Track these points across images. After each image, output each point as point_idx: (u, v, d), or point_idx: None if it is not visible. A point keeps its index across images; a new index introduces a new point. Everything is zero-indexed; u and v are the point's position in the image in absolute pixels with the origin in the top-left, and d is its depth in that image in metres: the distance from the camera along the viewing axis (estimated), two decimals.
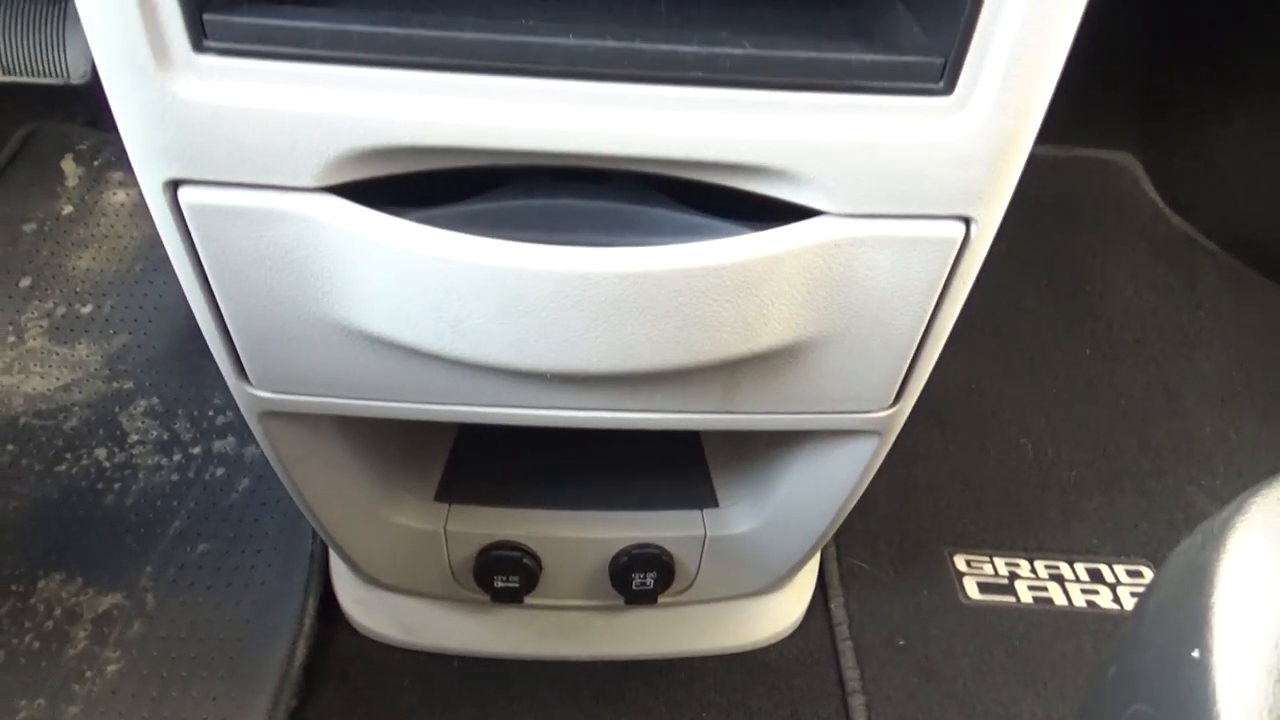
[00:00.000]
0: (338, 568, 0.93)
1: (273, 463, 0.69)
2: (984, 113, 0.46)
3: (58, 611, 0.89)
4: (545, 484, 0.83)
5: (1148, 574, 1.00)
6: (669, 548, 0.81)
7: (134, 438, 1.07)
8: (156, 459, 1.04)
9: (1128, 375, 1.23)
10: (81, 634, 0.87)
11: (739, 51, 0.44)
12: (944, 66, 0.44)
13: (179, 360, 1.14)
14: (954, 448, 1.12)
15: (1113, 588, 0.99)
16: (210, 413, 1.09)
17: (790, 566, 0.84)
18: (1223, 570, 0.39)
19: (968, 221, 0.50)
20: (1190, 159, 1.46)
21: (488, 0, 0.48)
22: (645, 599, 0.83)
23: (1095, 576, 1.00)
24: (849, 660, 0.90)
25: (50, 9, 1.18)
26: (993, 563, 1.00)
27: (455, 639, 0.90)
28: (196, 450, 1.05)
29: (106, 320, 1.19)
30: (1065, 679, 0.90)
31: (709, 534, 0.80)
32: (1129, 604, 0.97)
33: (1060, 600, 0.97)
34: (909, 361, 0.59)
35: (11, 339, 1.16)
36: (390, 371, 0.57)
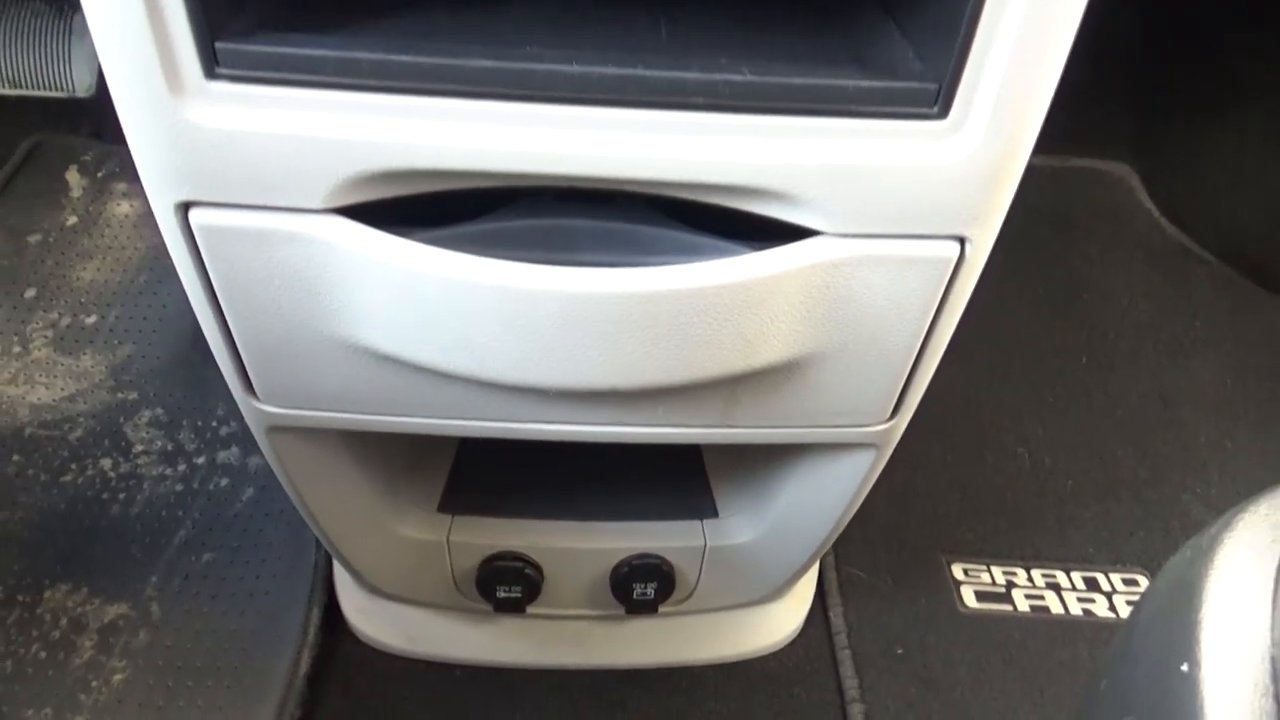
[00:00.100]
0: (341, 578, 0.94)
1: (279, 476, 0.69)
2: (978, 136, 0.47)
3: (64, 621, 0.90)
4: (547, 495, 0.84)
5: (1143, 582, 1.01)
6: (669, 558, 0.82)
7: (139, 448, 1.07)
8: (161, 469, 1.05)
9: (1124, 384, 1.24)
10: (88, 644, 0.88)
11: (738, 78, 0.45)
12: (938, 92, 0.46)
13: (183, 370, 1.15)
14: (952, 456, 1.13)
15: (1109, 596, 1.00)
16: (214, 423, 1.10)
17: (789, 576, 0.85)
18: (1211, 586, 0.40)
19: (963, 241, 0.51)
20: (1185, 170, 1.47)
21: (493, 26, 0.49)
22: (646, 608, 0.84)
23: (1091, 585, 1.01)
24: (848, 669, 0.91)
25: (56, 23, 1.19)
26: (990, 571, 1.01)
27: (458, 648, 0.91)
28: (201, 460, 1.06)
29: (111, 331, 1.20)
30: (1062, 687, 0.90)
31: (709, 544, 0.81)
32: (1125, 612, 0.98)
33: (1057, 609, 0.98)
34: (906, 376, 0.60)
35: (17, 349, 1.17)
36: (396, 387, 0.58)
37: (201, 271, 0.52)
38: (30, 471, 1.04)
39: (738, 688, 0.91)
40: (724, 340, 0.53)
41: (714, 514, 0.83)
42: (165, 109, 0.44)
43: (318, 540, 0.89)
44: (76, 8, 1.23)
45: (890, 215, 0.49)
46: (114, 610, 0.91)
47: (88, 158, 1.38)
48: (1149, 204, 1.50)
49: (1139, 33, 1.45)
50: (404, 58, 0.44)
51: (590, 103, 0.45)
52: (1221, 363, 1.28)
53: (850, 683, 0.90)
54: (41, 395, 1.12)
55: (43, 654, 0.87)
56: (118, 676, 0.86)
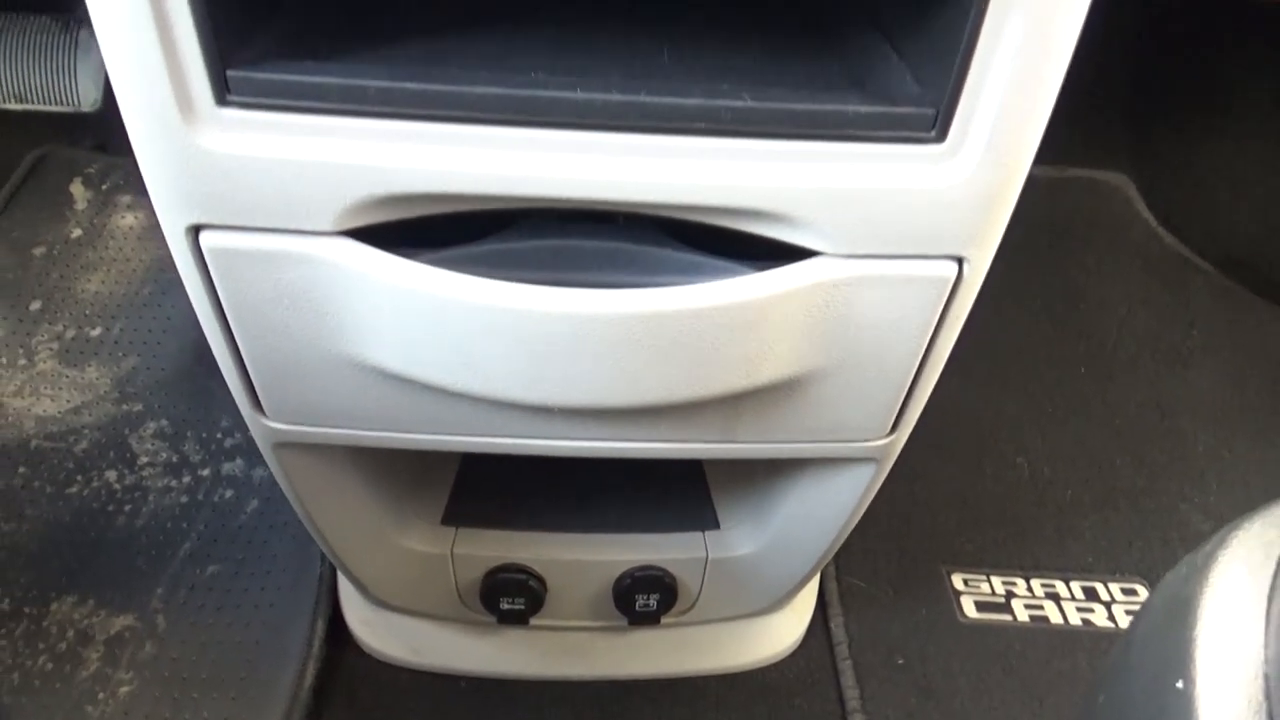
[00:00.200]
0: (346, 590, 0.94)
1: (285, 491, 0.70)
2: (975, 159, 0.47)
3: (70, 633, 0.91)
4: (550, 507, 0.84)
5: (1142, 592, 1.02)
6: (671, 570, 0.82)
7: (143, 460, 1.08)
8: (166, 481, 1.06)
9: (1122, 394, 1.25)
10: (94, 656, 0.89)
11: (739, 104, 0.45)
12: (936, 116, 0.46)
13: (187, 382, 1.16)
14: (951, 466, 1.14)
15: (1108, 606, 1.00)
16: (219, 435, 1.11)
17: (790, 587, 0.86)
18: (1206, 604, 0.41)
19: (960, 261, 0.52)
20: (1182, 179, 1.48)
21: (497, 50, 0.50)
22: (648, 620, 0.85)
23: (1090, 595, 1.01)
24: (849, 679, 0.92)
25: (61, 38, 1.20)
26: (990, 581, 1.02)
27: (462, 660, 0.91)
28: (205, 472, 1.07)
29: (116, 343, 1.21)
30: (1061, 697, 0.91)
31: (710, 556, 0.82)
32: (1123, 622, 0.98)
33: (1056, 619, 0.99)
34: (906, 392, 0.61)
35: (22, 362, 1.17)
36: (402, 404, 0.59)
37: (211, 292, 0.53)
38: (36, 484, 1.05)
39: (739, 698, 0.92)
40: (727, 359, 0.53)
41: (715, 526, 0.84)
42: (177, 135, 0.45)
43: (322, 552, 0.90)
44: (82, 23, 1.24)
45: (889, 236, 0.50)
46: (120, 622, 0.92)
47: (92, 170, 1.39)
48: (1146, 213, 1.51)
49: (1135, 43, 1.46)
50: (410, 85, 0.45)
51: (594, 128, 0.46)
52: (1219, 372, 1.29)
53: (851, 693, 0.91)
54: (47, 407, 1.13)
55: (49, 666, 0.88)
56: (124, 688, 0.87)
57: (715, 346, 0.53)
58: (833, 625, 0.97)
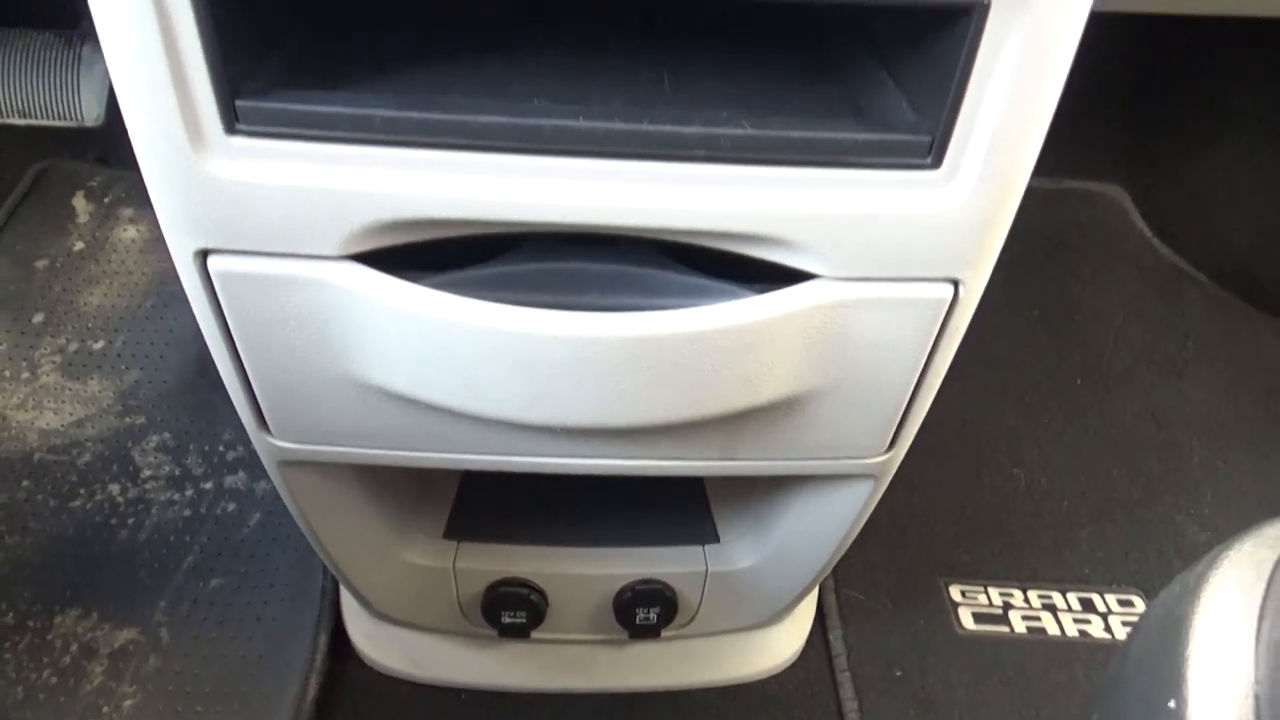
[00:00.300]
0: (348, 603, 0.95)
1: (290, 507, 0.71)
2: (970, 185, 0.48)
3: (74, 647, 0.91)
4: (551, 521, 0.85)
5: (1138, 603, 1.03)
6: (671, 583, 0.83)
7: (146, 473, 1.09)
8: (169, 494, 1.06)
9: (1118, 405, 1.25)
10: (98, 669, 0.89)
11: (739, 131, 0.46)
12: (932, 143, 0.47)
13: (190, 395, 1.17)
14: (948, 477, 1.15)
15: (1104, 617, 1.01)
16: (221, 448, 1.11)
17: (790, 601, 0.87)
18: (1198, 624, 0.41)
19: (956, 283, 0.53)
20: (1177, 190, 1.50)
21: (500, 78, 0.50)
22: (648, 633, 0.86)
23: (1087, 606, 1.02)
24: (847, 691, 0.92)
25: (65, 53, 1.21)
26: (987, 593, 1.03)
27: (463, 673, 0.92)
28: (208, 485, 1.07)
29: (118, 356, 1.21)
30: (1058, 709, 0.92)
31: (710, 569, 0.82)
32: (1120, 633, 0.99)
33: (1053, 630, 0.99)
34: (903, 410, 0.62)
35: (25, 375, 1.18)
36: (406, 424, 0.60)
37: (219, 315, 0.53)
38: (40, 497, 1.05)
39: (739, 711, 0.92)
40: (727, 380, 0.54)
41: (715, 539, 0.85)
42: (186, 162, 0.46)
43: (324, 566, 0.90)
44: (86, 39, 1.25)
45: (886, 260, 0.51)
46: (124, 636, 0.92)
47: (94, 183, 1.40)
48: (1142, 225, 1.52)
49: (1131, 56, 1.47)
50: (416, 114, 0.45)
51: (596, 155, 0.47)
52: (1214, 383, 1.30)
53: (850, 705, 0.92)
54: (50, 420, 1.14)
55: (54, 680, 0.88)
56: (128, 702, 0.87)
57: (715, 368, 0.53)
58: (831, 637, 0.97)
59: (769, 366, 0.55)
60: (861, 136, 0.47)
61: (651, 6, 0.57)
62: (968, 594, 1.02)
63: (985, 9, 0.43)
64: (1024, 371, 1.29)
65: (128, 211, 1.36)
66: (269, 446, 0.63)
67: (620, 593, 0.83)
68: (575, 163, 0.47)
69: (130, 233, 1.35)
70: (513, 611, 0.83)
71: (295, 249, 0.50)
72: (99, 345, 1.22)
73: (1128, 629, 0.99)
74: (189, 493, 1.07)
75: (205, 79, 0.43)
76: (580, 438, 0.60)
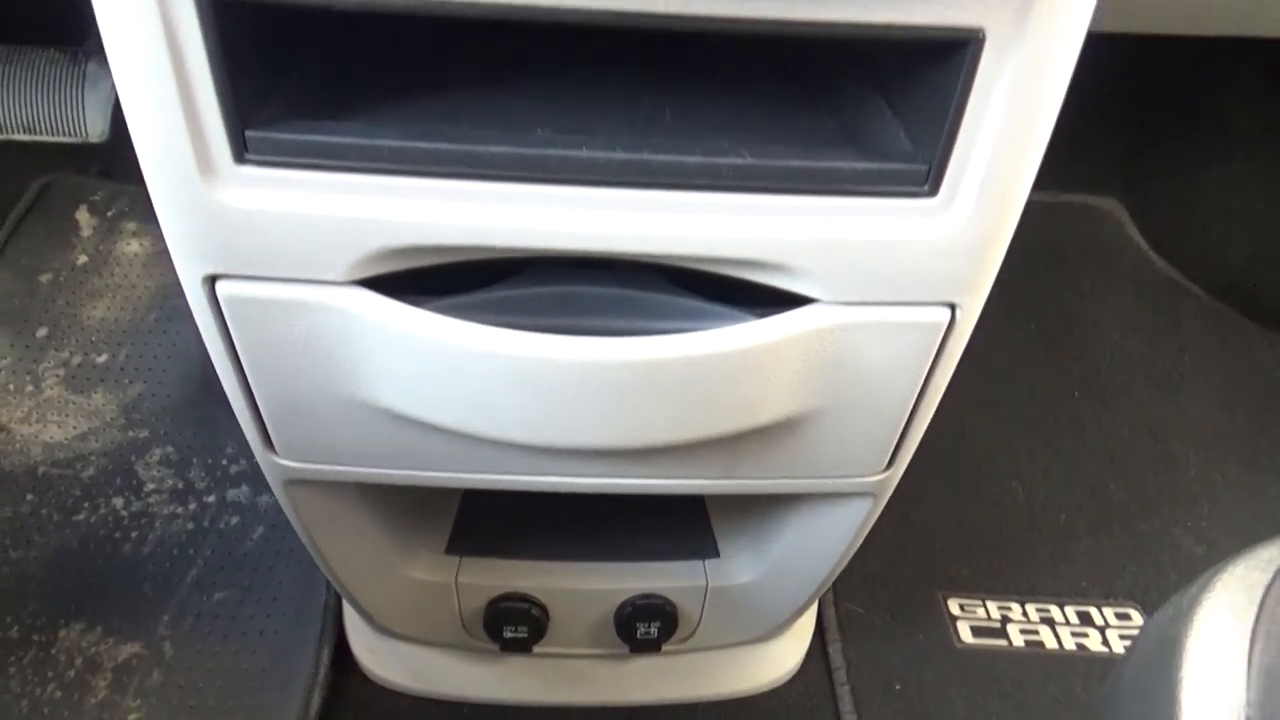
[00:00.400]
0: (351, 617, 0.96)
1: (294, 524, 0.72)
2: (966, 212, 0.49)
3: (79, 661, 0.92)
4: (552, 536, 0.86)
5: (1136, 616, 1.03)
6: (672, 598, 0.84)
7: (150, 486, 1.09)
8: (172, 508, 1.07)
9: (1115, 418, 1.26)
10: (102, 683, 0.90)
11: (739, 161, 0.47)
12: (928, 172, 0.48)
13: (193, 409, 1.18)
14: (947, 491, 1.15)
15: (1102, 630, 1.02)
16: (224, 461, 1.12)
17: (790, 615, 0.87)
18: (1190, 646, 0.42)
19: (953, 307, 0.54)
20: (1173, 204, 1.51)
21: (505, 107, 0.51)
22: (649, 648, 0.86)
23: (1085, 619, 1.03)
24: (847, 705, 0.93)
25: (70, 69, 1.22)
26: (985, 606, 1.03)
27: (465, 687, 0.93)
28: (211, 499, 1.08)
29: (122, 369, 1.22)
30: None
31: (710, 584, 0.83)
32: (1118, 647, 1.00)
33: (1051, 643, 1.00)
34: (901, 431, 0.62)
35: (30, 388, 1.19)
36: (411, 444, 0.60)
37: (226, 338, 0.54)
38: (44, 511, 1.06)
39: None
40: (727, 402, 0.55)
41: (715, 554, 0.85)
42: (196, 191, 0.47)
43: (327, 580, 0.91)
44: (90, 55, 1.26)
45: (884, 285, 0.52)
46: (128, 650, 0.93)
47: (97, 197, 1.40)
48: (1138, 238, 1.53)
49: (1127, 71, 1.48)
50: (423, 144, 0.46)
51: (600, 184, 0.47)
52: (1211, 396, 1.31)
53: (849, 719, 0.92)
54: (54, 434, 1.14)
55: (58, 694, 0.89)
56: (132, 716, 0.88)
57: (717, 390, 0.54)
58: (831, 651, 0.98)
59: (769, 389, 0.55)
60: (859, 165, 0.48)
61: (652, 38, 0.58)
62: (966, 608, 1.03)
63: (980, 42, 0.44)
64: (1022, 385, 1.29)
65: (131, 225, 1.37)
66: (274, 466, 0.64)
67: (621, 607, 0.84)
68: (579, 191, 0.48)
69: (133, 246, 1.35)
70: (514, 626, 0.84)
71: (302, 274, 0.50)
72: (102, 358, 1.23)
73: (1125, 642, 1.00)
74: (192, 506, 1.07)
75: (215, 110, 0.44)
76: (583, 458, 0.60)
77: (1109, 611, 1.04)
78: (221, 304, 0.52)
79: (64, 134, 1.24)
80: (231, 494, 1.09)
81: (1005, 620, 1.02)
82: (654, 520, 0.87)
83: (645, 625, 0.85)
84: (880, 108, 0.52)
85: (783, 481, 0.66)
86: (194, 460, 1.12)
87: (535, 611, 0.83)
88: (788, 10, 0.42)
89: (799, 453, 0.63)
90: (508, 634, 0.84)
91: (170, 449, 1.14)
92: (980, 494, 1.15)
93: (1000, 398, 1.27)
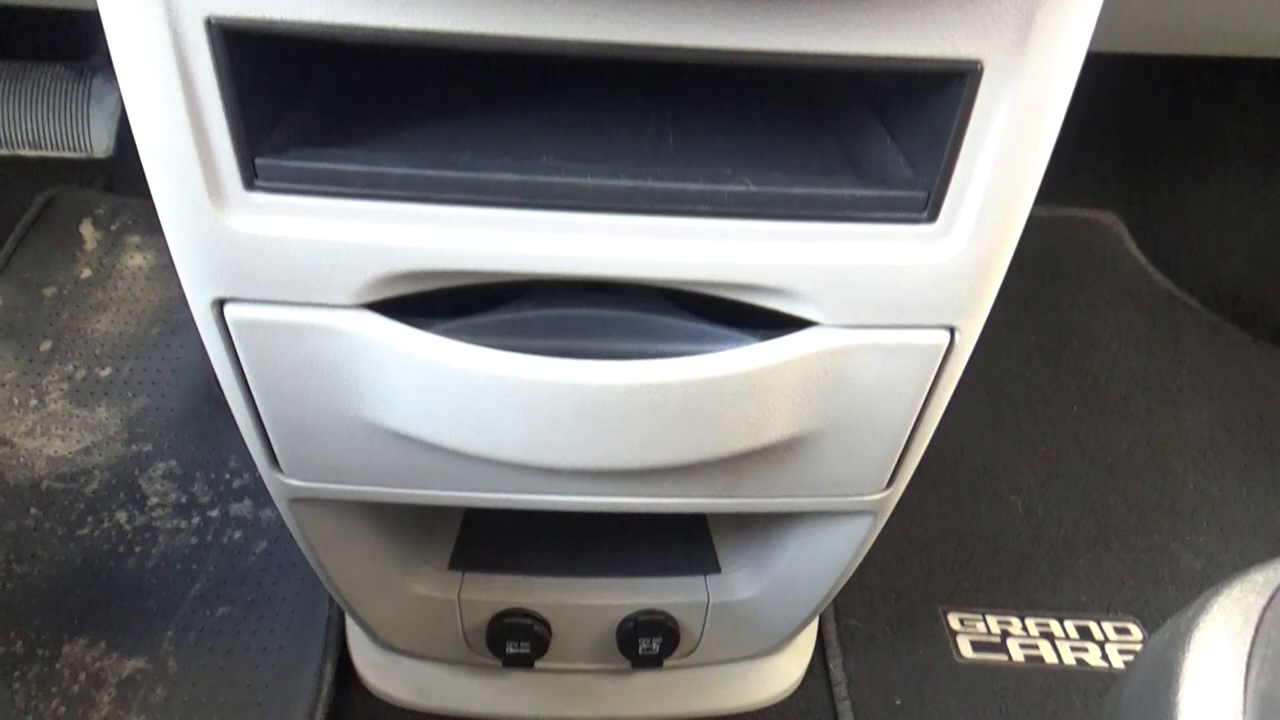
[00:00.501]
0: (354, 632, 0.96)
1: (299, 541, 0.72)
2: (964, 238, 0.50)
3: (83, 676, 0.92)
4: (554, 552, 0.86)
5: (1135, 631, 1.04)
6: (674, 614, 0.84)
7: (153, 500, 1.10)
8: (176, 522, 1.08)
9: (1114, 432, 1.27)
10: (106, 699, 0.90)
11: (740, 188, 0.48)
12: (928, 198, 0.49)
13: (196, 423, 1.18)
14: (946, 505, 1.16)
15: (1101, 645, 1.02)
16: (227, 475, 1.13)
17: (790, 630, 0.88)
18: (1187, 669, 0.43)
19: (952, 330, 0.55)
20: (1171, 217, 1.51)
21: (510, 134, 0.52)
22: (651, 663, 0.86)
23: (1084, 634, 1.03)
24: (848, 719, 0.93)
25: (76, 86, 1.23)
26: (985, 621, 1.04)
27: (468, 702, 0.93)
28: (214, 513, 1.09)
29: (125, 383, 1.23)
30: None
31: (712, 600, 0.83)
32: (1117, 661, 1.00)
33: (1051, 658, 1.00)
34: (901, 450, 0.63)
35: (34, 402, 1.19)
36: (415, 464, 0.61)
37: (234, 360, 0.55)
38: (48, 525, 1.06)
39: None
40: (729, 424, 0.56)
41: (717, 570, 0.86)
42: (206, 217, 0.48)
43: (330, 595, 0.91)
44: (96, 72, 1.27)
45: (884, 308, 0.53)
46: (132, 665, 0.93)
47: (101, 211, 1.41)
48: (1136, 251, 1.54)
49: (1125, 86, 1.49)
50: (429, 171, 0.47)
51: (604, 210, 0.48)
52: (1209, 409, 1.31)
53: None
54: (58, 448, 1.15)
55: (62, 709, 0.89)
56: None
57: (719, 412, 0.55)
58: (831, 666, 0.98)
59: (771, 410, 0.56)
60: (860, 192, 0.49)
61: (654, 66, 0.59)
62: (966, 622, 1.03)
63: (978, 73, 0.44)
64: (1021, 399, 1.30)
65: (135, 239, 1.37)
66: (280, 484, 0.65)
67: (623, 623, 0.84)
68: (583, 217, 0.48)
69: (137, 260, 1.36)
70: (517, 642, 0.84)
71: (310, 298, 0.51)
72: (106, 372, 1.24)
73: (1124, 657, 1.00)
74: (195, 520, 1.08)
75: (226, 138, 0.45)
76: (586, 478, 0.61)
77: (1108, 626, 1.04)
78: (230, 326, 0.53)
79: (69, 149, 1.24)
80: (235, 508, 1.09)
81: (1005, 635, 1.02)
82: (656, 536, 0.88)
83: (647, 641, 0.85)
84: (880, 134, 0.53)
85: (784, 500, 0.67)
86: (197, 474, 1.13)
87: (538, 627, 0.83)
88: (791, 42, 0.43)
89: (800, 472, 0.63)
90: (510, 649, 0.85)
91: (174, 463, 1.14)
92: (979, 508, 1.16)
93: (999, 411, 1.28)
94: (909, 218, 0.49)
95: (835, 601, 1.03)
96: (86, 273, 1.35)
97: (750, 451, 0.59)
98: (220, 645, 0.95)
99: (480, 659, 0.87)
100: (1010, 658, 1.00)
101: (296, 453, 0.62)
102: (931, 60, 0.44)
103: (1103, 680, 0.98)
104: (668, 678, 0.94)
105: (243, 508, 1.09)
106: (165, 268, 1.33)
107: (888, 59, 0.44)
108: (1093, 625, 1.04)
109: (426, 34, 0.42)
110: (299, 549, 0.75)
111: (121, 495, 1.10)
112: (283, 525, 0.74)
